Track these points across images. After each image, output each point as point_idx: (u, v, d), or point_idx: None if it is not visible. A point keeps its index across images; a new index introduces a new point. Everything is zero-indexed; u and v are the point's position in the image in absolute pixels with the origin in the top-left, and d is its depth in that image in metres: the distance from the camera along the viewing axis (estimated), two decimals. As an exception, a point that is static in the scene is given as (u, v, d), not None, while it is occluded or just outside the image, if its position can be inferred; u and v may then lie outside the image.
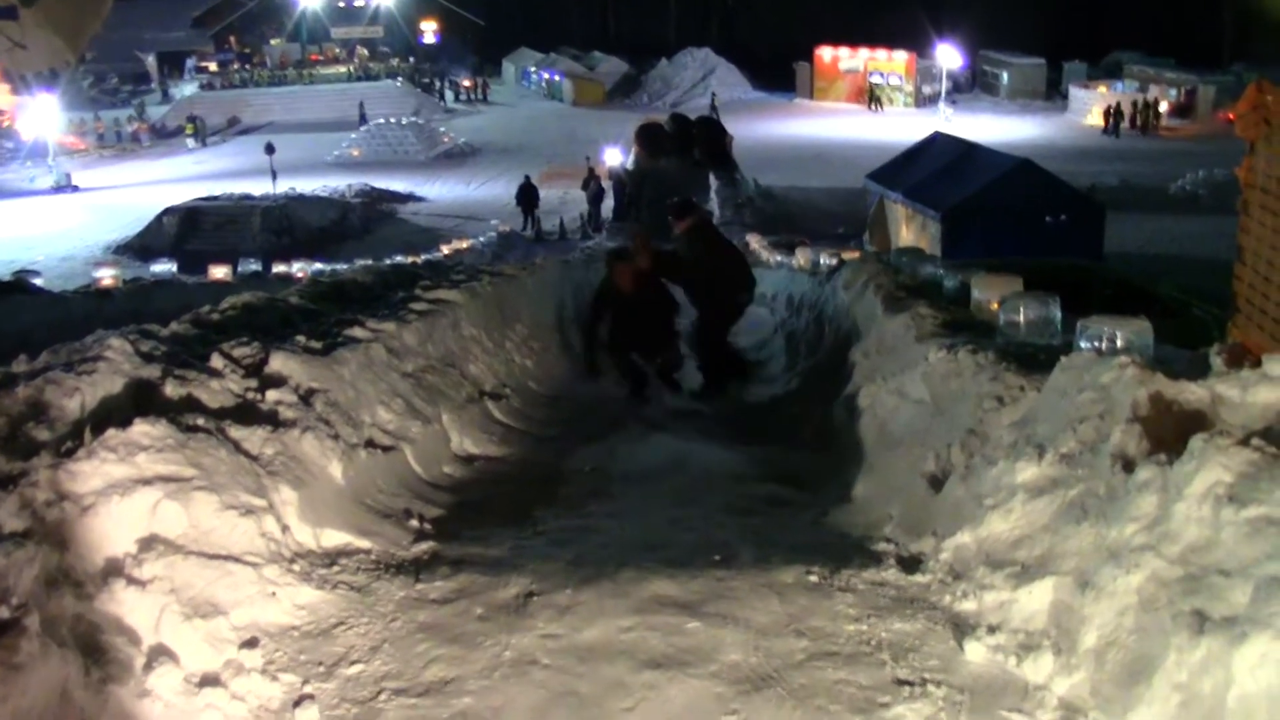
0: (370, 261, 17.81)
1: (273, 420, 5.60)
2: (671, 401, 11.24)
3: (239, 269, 21.40)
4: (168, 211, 45.04)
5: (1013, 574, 4.27)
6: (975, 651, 4.12)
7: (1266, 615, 2.99)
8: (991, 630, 4.16)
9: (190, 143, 68.87)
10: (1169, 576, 3.47)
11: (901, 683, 4.00)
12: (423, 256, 24.20)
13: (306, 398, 6.07)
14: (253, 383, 5.90)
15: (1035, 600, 4.09)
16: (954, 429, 5.64)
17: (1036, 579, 4.13)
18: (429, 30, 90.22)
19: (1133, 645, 3.50)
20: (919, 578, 4.80)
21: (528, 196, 45.46)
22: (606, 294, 11.78)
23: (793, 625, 4.44)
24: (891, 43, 75.87)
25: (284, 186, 49.60)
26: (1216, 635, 3.11)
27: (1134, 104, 64.88)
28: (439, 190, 55.00)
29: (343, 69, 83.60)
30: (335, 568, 5.00)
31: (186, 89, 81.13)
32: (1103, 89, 69.75)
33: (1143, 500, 3.77)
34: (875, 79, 75.80)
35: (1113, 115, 63.84)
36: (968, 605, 4.39)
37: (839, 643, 4.31)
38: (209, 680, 3.91)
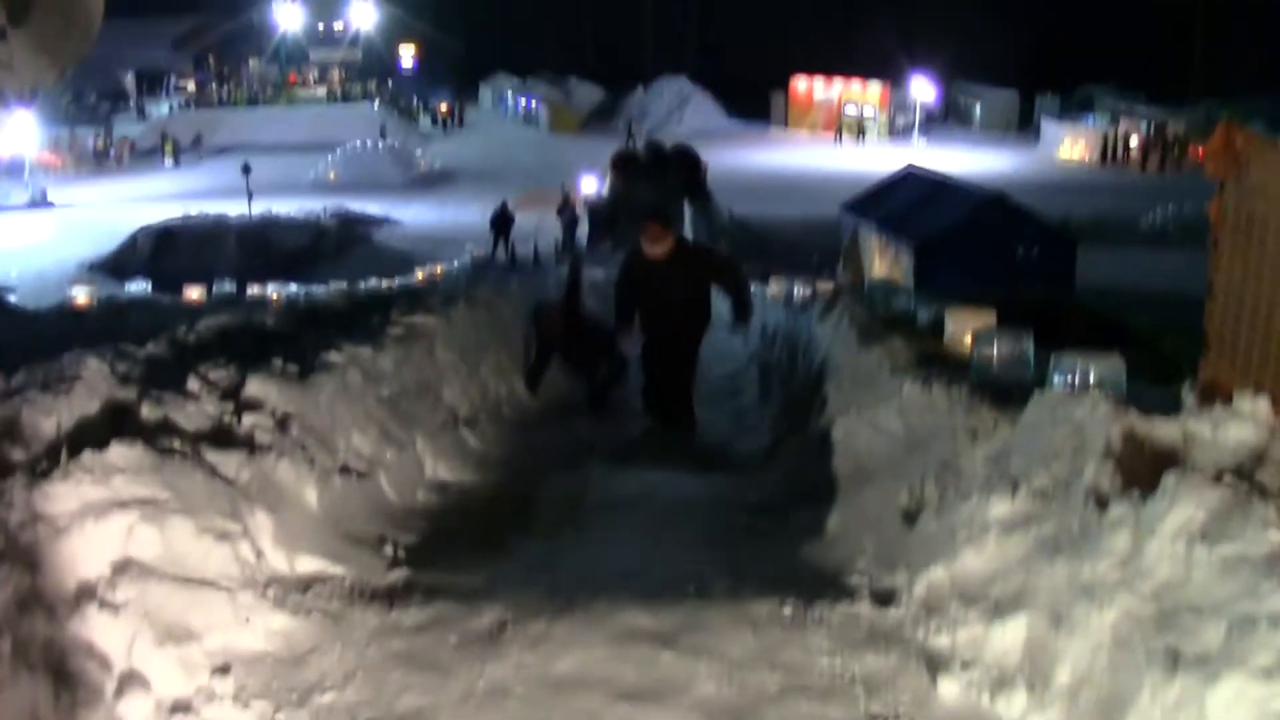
0: (345, 284, 17.78)
1: (249, 445, 5.58)
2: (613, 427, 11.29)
3: (213, 290, 21.33)
4: (143, 231, 44.81)
5: (986, 610, 4.28)
6: (949, 688, 4.12)
7: (1240, 654, 3.01)
8: (965, 666, 4.16)
9: (168, 161, 68.66)
10: (1142, 614, 3.48)
11: (875, 718, 4.00)
12: (397, 281, 24.12)
13: (283, 422, 6.06)
14: (229, 406, 5.89)
15: (1009, 637, 4.10)
16: (928, 462, 5.65)
17: (1010, 615, 4.14)
18: (407, 55, 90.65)
19: (1106, 683, 3.51)
20: (892, 612, 4.80)
21: (503, 222, 45.31)
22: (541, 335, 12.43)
23: (766, 658, 4.43)
24: (866, 70, 76.01)
25: (260, 207, 49.42)
26: (1190, 673, 3.12)
27: (1167, 137, 63.56)
28: (414, 214, 54.78)
29: (321, 91, 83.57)
30: (309, 594, 4.97)
31: (163, 107, 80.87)
32: (1079, 138, 68.97)
33: (1116, 537, 3.79)
34: (850, 110, 76.06)
35: (1146, 149, 63.20)
36: (941, 641, 4.40)
37: (813, 677, 4.31)
38: (180, 706, 3.89)
